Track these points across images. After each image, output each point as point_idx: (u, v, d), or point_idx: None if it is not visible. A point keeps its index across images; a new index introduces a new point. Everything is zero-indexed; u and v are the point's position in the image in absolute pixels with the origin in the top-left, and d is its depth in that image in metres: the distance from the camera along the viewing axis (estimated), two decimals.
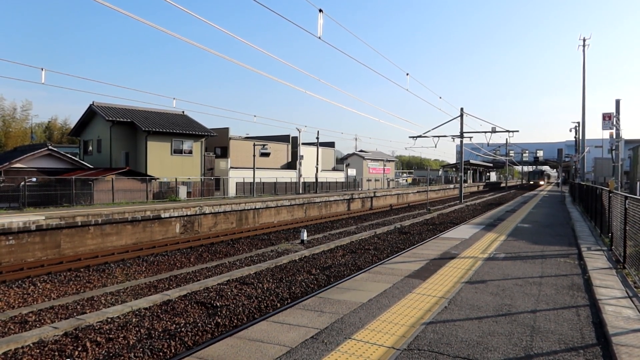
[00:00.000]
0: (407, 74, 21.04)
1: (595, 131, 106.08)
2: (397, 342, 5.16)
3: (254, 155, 36.86)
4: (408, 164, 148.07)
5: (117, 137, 34.07)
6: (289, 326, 5.62)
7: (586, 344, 5.27)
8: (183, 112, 39.70)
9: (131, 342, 8.48)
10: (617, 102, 31.16)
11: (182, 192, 30.64)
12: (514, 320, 6.03)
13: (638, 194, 26.74)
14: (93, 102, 34.95)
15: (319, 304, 6.57)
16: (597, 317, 6.25)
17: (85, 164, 33.20)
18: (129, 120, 33.77)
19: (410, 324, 5.80)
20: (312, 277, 13.47)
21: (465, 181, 75.92)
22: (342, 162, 63.81)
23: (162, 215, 21.64)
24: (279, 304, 10.74)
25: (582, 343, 5.30)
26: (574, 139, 57.76)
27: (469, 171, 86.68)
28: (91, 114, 36.05)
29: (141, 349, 8.09)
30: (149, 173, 31.88)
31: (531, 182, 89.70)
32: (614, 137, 32.07)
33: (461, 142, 44.75)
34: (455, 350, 4.97)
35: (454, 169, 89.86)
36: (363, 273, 8.68)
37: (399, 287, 7.58)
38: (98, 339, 8.54)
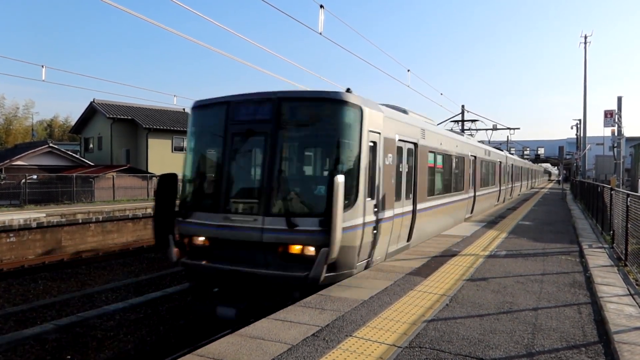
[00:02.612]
0: (409, 70, 20.92)
1: (597, 128, 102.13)
2: (399, 340, 5.15)
3: None
4: None
5: (118, 135, 34.07)
6: (290, 324, 5.61)
7: (588, 342, 5.25)
8: (184, 109, 39.67)
9: (133, 339, 8.48)
10: (619, 99, 31.06)
11: None
12: (515, 318, 6.02)
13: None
14: (94, 100, 34.95)
15: (320, 301, 6.56)
16: (598, 314, 6.23)
17: (86, 161, 33.21)
18: (129, 117, 33.76)
19: (411, 321, 5.78)
20: None
21: None
22: None
23: None
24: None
25: (583, 341, 5.28)
26: (575, 136, 57.63)
27: None
28: (92, 112, 36.06)
29: (143, 346, 8.09)
30: (149, 170, 31.87)
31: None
32: (616, 134, 31.95)
33: None
34: (457, 348, 4.95)
35: None
36: (364, 270, 8.66)
37: (400, 285, 7.56)
38: (99, 335, 8.54)
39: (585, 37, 41.08)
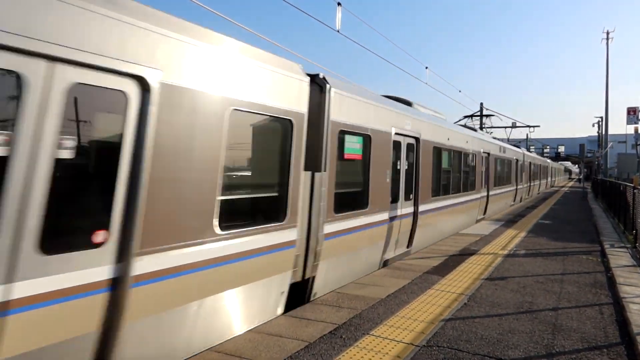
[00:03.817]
0: (427, 68, 20.75)
1: (619, 126, 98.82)
2: (416, 339, 5.13)
3: None
4: None
5: None
6: (307, 321, 5.63)
7: (610, 343, 5.17)
8: None
9: None
10: None
11: None
12: (535, 318, 5.94)
13: None
14: None
15: (337, 299, 6.56)
16: (620, 315, 6.13)
17: None
18: None
19: (429, 320, 5.76)
20: None
21: None
22: None
23: None
24: None
25: (605, 342, 5.20)
26: (596, 134, 56.65)
27: None
28: None
29: None
30: None
31: None
32: (639, 131, 31.32)
33: None
34: (475, 348, 4.91)
35: None
36: (381, 268, 8.65)
37: (417, 283, 7.53)
38: None
39: (607, 33, 40.34)
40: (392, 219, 9.15)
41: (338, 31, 10.29)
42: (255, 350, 4.72)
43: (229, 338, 5.10)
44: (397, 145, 9.28)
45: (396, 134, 9.13)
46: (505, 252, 10.54)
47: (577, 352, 4.87)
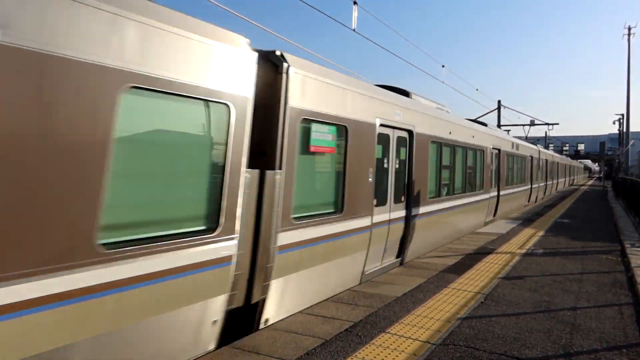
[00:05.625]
0: (443, 66, 20.53)
1: None
2: (432, 337, 5.14)
3: None
4: None
5: None
6: (324, 318, 5.67)
7: (629, 343, 5.11)
8: None
9: None
10: None
11: None
12: (552, 317, 5.90)
13: None
14: None
15: (352, 297, 6.59)
16: None
17: None
18: None
19: (445, 318, 5.75)
20: None
21: None
22: None
23: None
24: None
25: (625, 342, 5.14)
26: (617, 132, 55.67)
27: None
28: None
29: None
30: None
31: None
32: None
33: None
34: (492, 346, 4.90)
35: None
36: (397, 267, 8.65)
37: (433, 282, 7.52)
38: None
39: (629, 29, 39.64)
40: (376, 225, 7.91)
41: (354, 30, 10.30)
42: (272, 347, 4.77)
43: (245, 334, 5.16)
44: (384, 138, 8.11)
45: (382, 125, 7.90)
46: (523, 251, 10.46)
47: (595, 352, 4.83)
